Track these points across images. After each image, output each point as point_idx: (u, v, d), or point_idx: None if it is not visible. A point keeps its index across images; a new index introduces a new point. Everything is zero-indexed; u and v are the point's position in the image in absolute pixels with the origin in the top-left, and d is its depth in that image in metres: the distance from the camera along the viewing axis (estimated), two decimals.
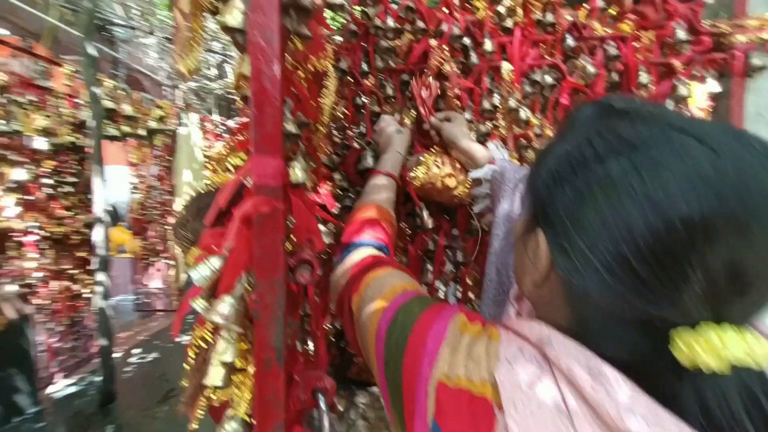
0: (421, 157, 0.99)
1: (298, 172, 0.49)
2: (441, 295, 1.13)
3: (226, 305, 0.40)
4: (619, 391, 0.30)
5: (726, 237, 0.29)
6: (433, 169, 0.95)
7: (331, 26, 1.00)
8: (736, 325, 0.30)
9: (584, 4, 0.99)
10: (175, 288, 5.04)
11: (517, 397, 0.33)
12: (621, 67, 0.99)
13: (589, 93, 0.99)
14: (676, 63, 0.95)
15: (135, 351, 4.09)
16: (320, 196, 0.73)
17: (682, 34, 0.93)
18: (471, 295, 1.09)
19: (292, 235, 0.47)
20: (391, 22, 1.01)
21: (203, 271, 0.42)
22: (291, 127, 0.46)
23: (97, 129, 2.81)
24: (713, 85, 0.96)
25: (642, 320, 0.33)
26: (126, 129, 3.55)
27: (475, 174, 0.94)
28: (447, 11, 1.02)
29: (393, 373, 0.43)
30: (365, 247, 0.68)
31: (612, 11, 1.00)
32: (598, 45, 0.98)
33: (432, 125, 1.00)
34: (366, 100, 1.07)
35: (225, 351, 0.41)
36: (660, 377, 0.33)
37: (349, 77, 1.06)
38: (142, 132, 3.77)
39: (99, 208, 2.90)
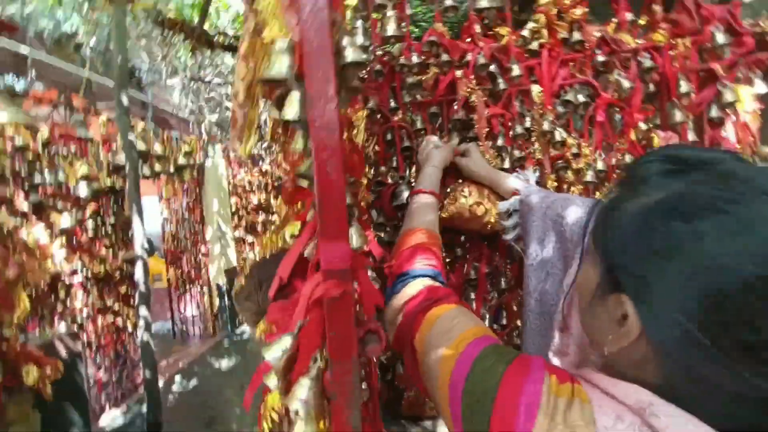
0: (448, 189, 0.99)
1: (354, 238, 0.49)
2: (486, 323, 1.11)
3: (304, 389, 0.40)
4: None
5: None
6: (460, 200, 0.94)
7: None
8: None
9: (612, 18, 0.97)
10: (211, 315, 5.17)
11: None
12: (657, 78, 0.96)
13: (626, 107, 0.96)
14: (718, 67, 0.91)
15: (177, 378, 4.20)
16: (368, 246, 0.74)
17: (721, 37, 0.90)
18: (518, 322, 1.06)
19: (358, 307, 0.47)
20: (415, 57, 1.02)
21: (276, 351, 0.42)
22: (348, 200, 0.46)
23: (134, 172, 2.96)
24: (761, 87, 0.91)
25: (756, 394, 0.32)
26: (157, 168, 3.71)
27: (501, 207, 0.93)
28: (470, 41, 1.02)
29: None
30: (420, 278, 0.67)
31: (642, 22, 0.97)
32: (631, 57, 0.96)
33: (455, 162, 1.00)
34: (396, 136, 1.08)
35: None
36: None
37: (377, 114, 1.08)
38: (171, 169, 3.94)
39: (139, 246, 3.03)
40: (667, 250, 0.34)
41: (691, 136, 0.92)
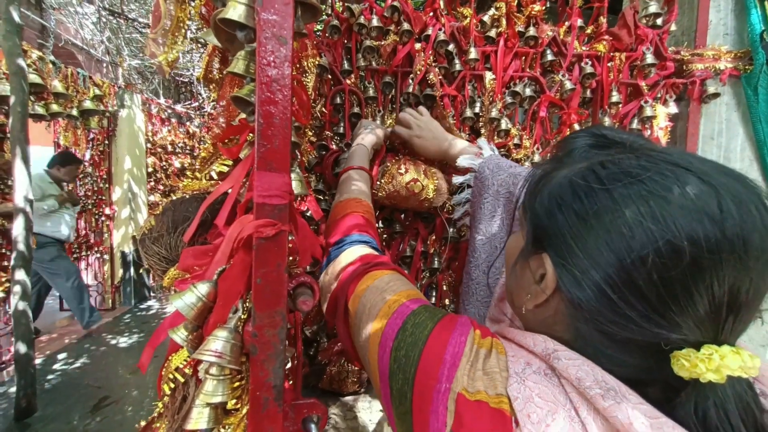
0: (383, 167, 0.96)
1: (295, 183, 0.44)
2: None
3: (219, 341, 0.34)
4: (629, 401, 0.33)
5: (728, 267, 0.32)
6: (396, 178, 0.93)
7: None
8: (731, 344, 0.34)
9: (565, 22, 1.02)
10: (111, 286, 4.59)
11: (531, 410, 0.34)
12: (594, 85, 1.03)
13: (565, 108, 1.02)
14: (643, 85, 1.01)
15: (60, 356, 3.67)
16: (304, 204, 0.68)
17: (650, 57, 0.99)
18: (446, 301, 1.08)
19: (290, 256, 0.41)
20: (375, 21, 0.97)
21: (189, 298, 0.35)
22: (293, 137, 0.40)
23: (21, 106, 2.46)
24: (673, 108, 1.03)
25: (646, 343, 0.35)
26: (55, 108, 3.14)
27: (456, 181, 0.94)
28: (433, 15, 1.00)
29: (401, 385, 0.42)
30: (356, 245, 0.66)
31: (589, 30, 1.03)
32: (576, 62, 1.02)
33: (398, 135, 0.97)
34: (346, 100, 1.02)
35: (214, 391, 0.35)
36: (651, 386, 0.36)
37: (328, 75, 1.00)
38: (74, 112, 3.37)
39: (20, 197, 2.55)
40: (587, 212, 0.36)
41: None
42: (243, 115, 0.45)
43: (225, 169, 0.49)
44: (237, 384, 0.36)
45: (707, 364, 0.32)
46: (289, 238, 0.46)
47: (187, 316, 0.36)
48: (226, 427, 0.37)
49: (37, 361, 3.16)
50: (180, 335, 0.37)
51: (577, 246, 0.37)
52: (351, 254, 0.63)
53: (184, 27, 0.41)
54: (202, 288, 0.36)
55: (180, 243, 0.50)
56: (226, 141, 0.48)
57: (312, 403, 0.47)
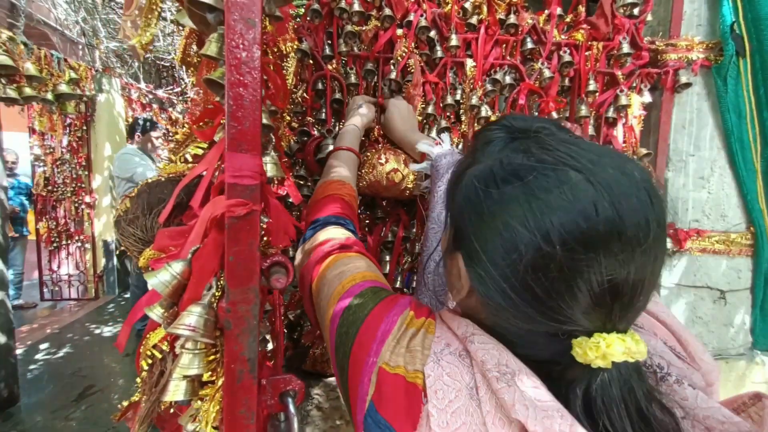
0: (364, 157, 0.97)
1: (269, 166, 0.45)
2: (398, 284, 1.14)
3: (193, 316, 0.35)
4: (520, 385, 0.35)
5: (605, 261, 0.33)
6: (377, 168, 0.94)
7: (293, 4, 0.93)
8: (622, 330, 0.36)
9: (545, 10, 1.03)
10: (94, 275, 4.51)
11: (439, 387, 0.38)
12: (572, 74, 1.05)
13: (544, 96, 1.04)
14: (619, 74, 1.04)
15: (42, 346, 3.62)
16: (283, 188, 0.68)
17: (626, 47, 1.01)
18: None
19: (265, 236, 0.42)
20: (357, 5, 0.97)
21: (163, 276, 0.36)
22: (265, 119, 0.41)
23: None
24: (647, 97, 1.07)
25: (550, 333, 0.37)
26: (28, 91, 3.02)
27: (412, 168, 0.94)
28: (414, 1, 1.00)
29: (341, 359, 0.46)
30: (330, 225, 0.68)
31: (568, 19, 1.05)
32: (555, 50, 1.03)
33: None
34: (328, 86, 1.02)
35: (190, 364, 0.36)
36: (566, 370, 0.38)
37: (309, 60, 1.00)
38: (48, 96, 3.25)
39: None
40: (485, 213, 0.38)
41: (590, 131, 1.04)
42: (218, 98, 0.45)
43: (200, 151, 0.50)
44: (212, 357, 0.38)
45: (595, 351, 0.34)
46: (265, 219, 0.47)
47: (162, 294, 0.37)
48: (203, 398, 0.38)
49: (18, 351, 3.12)
50: (156, 312, 0.38)
51: (480, 247, 0.38)
52: (324, 234, 0.65)
53: (158, 9, 0.40)
54: (177, 266, 0.37)
55: (155, 224, 0.51)
56: (201, 124, 0.48)
57: (289, 378, 0.49)
